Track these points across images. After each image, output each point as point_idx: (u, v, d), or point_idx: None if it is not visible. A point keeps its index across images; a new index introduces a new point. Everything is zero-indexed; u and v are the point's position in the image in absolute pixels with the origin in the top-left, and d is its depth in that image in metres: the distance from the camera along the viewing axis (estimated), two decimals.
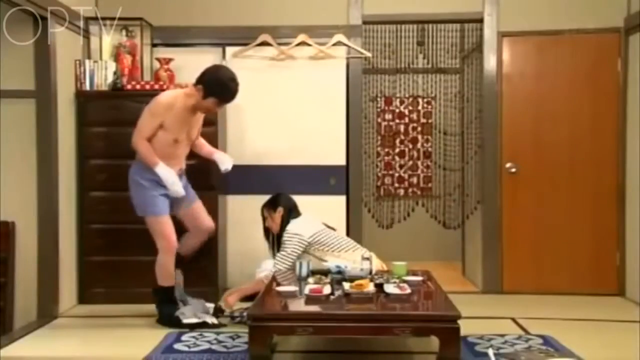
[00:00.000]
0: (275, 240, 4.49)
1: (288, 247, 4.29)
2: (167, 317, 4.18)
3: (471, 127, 5.62)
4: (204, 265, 4.82)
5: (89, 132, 4.84)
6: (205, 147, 4.53)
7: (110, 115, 4.83)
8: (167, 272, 4.23)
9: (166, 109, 4.10)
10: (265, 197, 4.66)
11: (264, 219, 4.57)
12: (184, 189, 4.26)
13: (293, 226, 4.36)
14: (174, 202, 4.28)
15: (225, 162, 4.46)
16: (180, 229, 4.42)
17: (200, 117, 4.38)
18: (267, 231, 4.58)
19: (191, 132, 4.33)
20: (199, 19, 5.28)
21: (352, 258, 4.06)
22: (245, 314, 4.06)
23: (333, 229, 4.52)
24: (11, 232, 4.40)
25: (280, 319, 3.24)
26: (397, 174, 6.86)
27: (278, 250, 4.37)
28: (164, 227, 4.18)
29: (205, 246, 4.83)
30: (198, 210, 4.45)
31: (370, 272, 3.79)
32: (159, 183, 4.15)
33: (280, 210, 4.45)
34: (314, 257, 4.29)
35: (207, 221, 4.49)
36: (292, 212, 4.49)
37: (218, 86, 4.11)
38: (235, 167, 5.16)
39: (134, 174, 4.20)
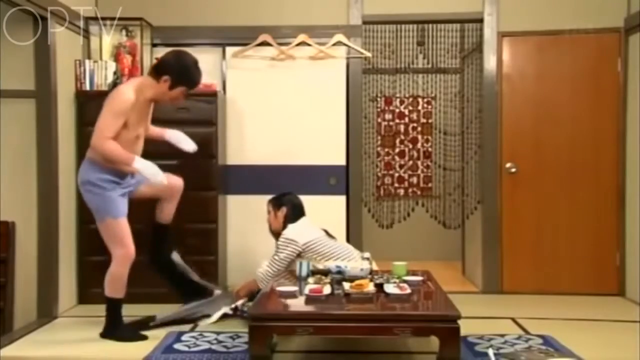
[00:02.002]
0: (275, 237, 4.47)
1: (281, 252, 4.25)
2: (110, 330, 3.94)
3: (471, 127, 5.62)
4: (204, 265, 4.82)
5: (89, 132, 4.75)
6: (151, 129, 4.15)
7: None
8: (121, 283, 3.92)
9: (131, 106, 3.77)
10: (265, 197, 4.67)
11: (268, 212, 4.53)
12: (135, 187, 4.02)
13: (290, 231, 4.31)
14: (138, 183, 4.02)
15: (182, 140, 4.11)
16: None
17: (152, 107, 4.07)
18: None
19: (147, 125, 4.07)
20: (198, 19, 5.28)
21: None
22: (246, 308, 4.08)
23: (333, 237, 4.42)
24: (11, 232, 4.40)
25: (280, 319, 3.24)
26: (397, 174, 6.86)
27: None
28: (124, 233, 3.87)
29: (205, 246, 4.85)
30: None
31: (371, 272, 3.79)
32: (117, 183, 3.88)
33: (283, 210, 4.43)
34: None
35: (175, 179, 4.13)
36: (295, 214, 4.43)
37: (186, 75, 3.86)
38: (235, 167, 5.18)
39: (87, 176, 3.86)
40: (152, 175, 3.83)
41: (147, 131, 4.07)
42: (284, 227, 4.36)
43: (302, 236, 4.26)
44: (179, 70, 3.86)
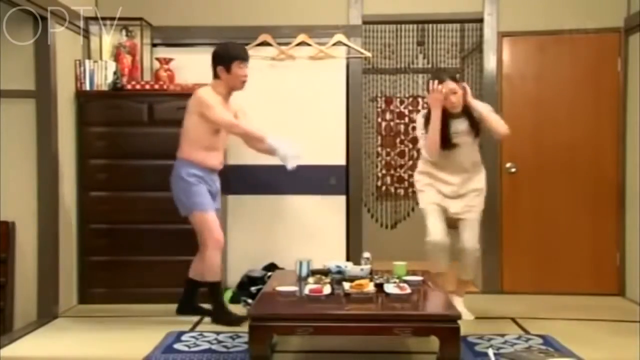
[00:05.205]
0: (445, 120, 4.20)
1: None
2: (218, 314, 4.25)
3: None
4: None
5: (89, 132, 4.85)
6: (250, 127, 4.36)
7: (110, 115, 4.84)
8: (216, 268, 4.24)
9: (216, 99, 4.17)
10: (266, 197, 4.68)
11: (453, 92, 4.17)
12: (217, 195, 4.34)
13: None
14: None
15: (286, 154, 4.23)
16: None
17: (231, 107, 4.34)
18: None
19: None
20: (199, 19, 5.28)
21: None
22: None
23: None
24: (11, 232, 4.40)
25: (280, 319, 3.24)
26: (397, 174, 6.86)
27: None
28: (211, 223, 4.19)
29: None
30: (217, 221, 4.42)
31: (371, 272, 3.79)
32: (203, 179, 4.20)
33: (461, 85, 4.26)
34: None
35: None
36: None
37: (228, 52, 4.22)
38: (235, 167, 5.18)
39: (178, 171, 4.21)
40: (285, 152, 4.18)
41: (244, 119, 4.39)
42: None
43: None
44: (220, 54, 4.24)
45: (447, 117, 4.19)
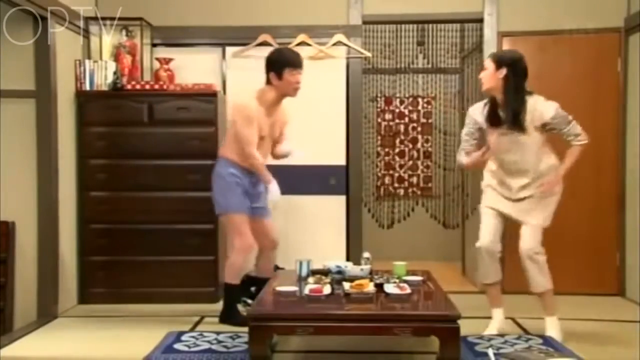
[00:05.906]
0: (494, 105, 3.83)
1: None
2: (226, 315, 4.25)
3: None
4: (204, 265, 4.83)
5: (89, 132, 4.85)
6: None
7: (110, 115, 4.84)
8: (237, 270, 4.24)
9: (256, 111, 4.14)
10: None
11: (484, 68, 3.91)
12: (259, 196, 4.34)
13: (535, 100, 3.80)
14: (251, 207, 4.30)
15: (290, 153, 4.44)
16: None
17: (280, 114, 4.35)
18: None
19: (273, 129, 4.33)
20: (199, 19, 5.28)
21: None
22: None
23: None
24: (11, 232, 4.40)
25: (280, 319, 3.24)
26: (397, 174, 6.87)
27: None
28: (243, 226, 4.21)
29: (205, 246, 4.85)
30: (269, 225, 4.42)
31: (371, 272, 3.79)
32: (243, 180, 4.21)
33: (503, 71, 3.80)
34: None
35: (274, 237, 4.46)
36: (522, 79, 3.80)
37: (280, 59, 4.19)
38: None
39: (218, 169, 4.24)
40: (272, 195, 4.23)
41: (275, 136, 4.38)
42: (507, 91, 3.80)
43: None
44: (273, 60, 4.20)
45: (496, 106, 3.86)
